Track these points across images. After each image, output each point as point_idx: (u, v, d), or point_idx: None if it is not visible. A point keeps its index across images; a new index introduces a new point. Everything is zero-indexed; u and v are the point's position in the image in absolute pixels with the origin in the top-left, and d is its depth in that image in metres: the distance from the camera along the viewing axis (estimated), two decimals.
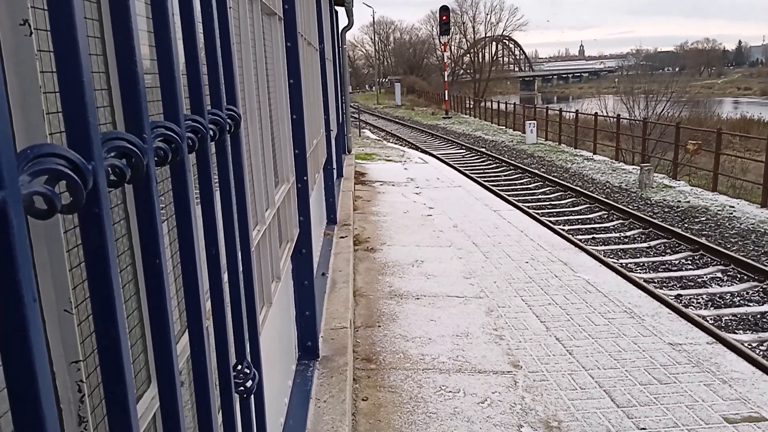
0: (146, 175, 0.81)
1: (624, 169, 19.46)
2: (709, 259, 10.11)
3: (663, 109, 29.18)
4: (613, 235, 12.13)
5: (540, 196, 16.18)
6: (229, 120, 1.40)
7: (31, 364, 0.54)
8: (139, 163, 0.77)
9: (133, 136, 0.77)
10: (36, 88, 0.84)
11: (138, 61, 0.81)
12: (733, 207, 13.75)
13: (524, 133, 28.43)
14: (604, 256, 10.19)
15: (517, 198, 15.54)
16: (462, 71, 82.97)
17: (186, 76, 1.17)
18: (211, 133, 1.24)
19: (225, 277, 1.41)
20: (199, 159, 1.20)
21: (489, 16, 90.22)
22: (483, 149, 25.94)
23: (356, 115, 32.12)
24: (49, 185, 0.57)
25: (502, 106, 38.33)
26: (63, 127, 0.69)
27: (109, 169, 0.72)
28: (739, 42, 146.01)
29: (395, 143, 28.97)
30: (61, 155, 0.59)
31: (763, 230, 11.81)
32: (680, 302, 8.28)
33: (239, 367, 1.53)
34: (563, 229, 12.15)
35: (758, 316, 7.96)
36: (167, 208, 1.35)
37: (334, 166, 9.16)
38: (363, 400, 4.29)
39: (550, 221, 12.82)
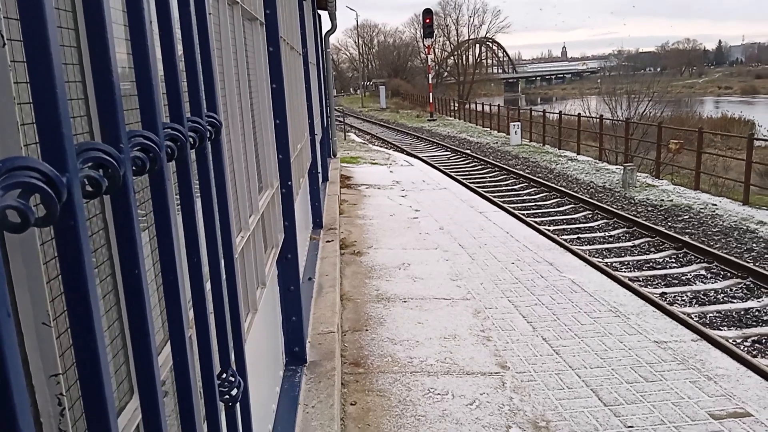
0: (123, 186, 0.81)
1: (608, 169, 19.62)
2: (692, 257, 10.21)
3: (645, 109, 29.48)
4: (598, 234, 12.22)
5: (525, 197, 16.26)
6: (209, 127, 1.40)
7: (6, 381, 0.53)
8: (115, 174, 0.76)
9: (109, 147, 0.77)
10: (10, 99, 0.83)
11: (114, 71, 0.80)
12: (715, 205, 13.91)
13: (509, 134, 28.59)
14: (590, 256, 10.26)
15: (502, 199, 15.60)
16: (446, 74, 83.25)
17: (165, 83, 1.16)
18: (191, 141, 1.23)
19: (208, 285, 1.40)
20: (179, 167, 1.19)
21: (472, 19, 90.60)
22: (468, 151, 26.03)
23: (341, 119, 32.15)
24: (23, 199, 0.56)
25: (487, 108, 38.51)
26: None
27: (85, 180, 0.71)
28: (719, 42, 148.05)
29: (381, 146, 29.01)
30: (35, 168, 0.59)
31: (745, 227, 11.95)
32: (665, 300, 8.36)
33: (224, 375, 1.52)
34: (548, 230, 12.22)
35: (742, 312, 8.06)
36: (148, 216, 1.34)
37: (320, 170, 9.15)
38: (351, 404, 4.28)
39: (535, 222, 12.90)
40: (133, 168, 0.87)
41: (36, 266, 0.89)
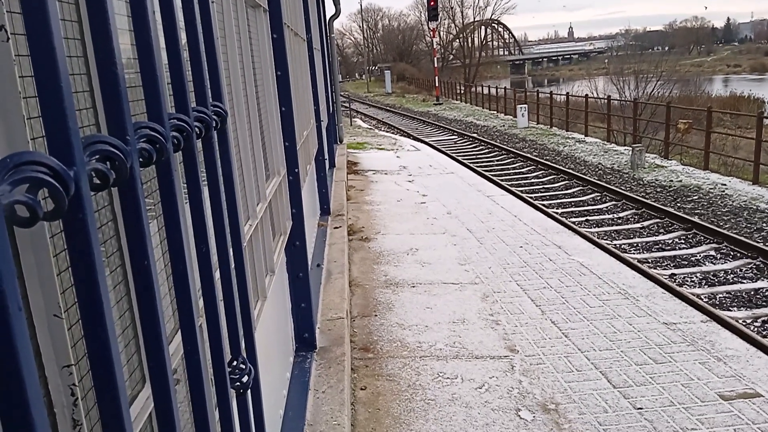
0: (131, 178, 0.81)
1: (616, 151, 19.50)
2: (702, 238, 10.17)
3: (653, 89, 29.21)
4: (607, 216, 12.18)
5: (533, 180, 16.20)
6: (215, 117, 1.40)
7: (19, 373, 0.54)
8: (122, 166, 0.77)
9: (115, 139, 0.77)
10: (15, 93, 0.84)
11: (118, 63, 0.80)
12: (724, 185, 13.81)
13: (516, 117, 28.42)
14: (598, 238, 10.24)
15: (510, 183, 15.56)
16: (452, 57, 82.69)
17: (169, 74, 1.16)
18: (197, 131, 1.23)
19: (217, 274, 1.41)
20: (185, 157, 1.19)
21: (477, 0, 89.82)
22: (475, 135, 25.93)
23: (347, 105, 32.05)
24: (31, 193, 0.57)
25: (493, 91, 38.28)
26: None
27: (93, 173, 0.71)
28: (728, 19, 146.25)
29: (387, 131, 28.92)
30: (42, 162, 0.59)
31: (754, 207, 11.87)
32: (674, 281, 8.34)
33: (234, 363, 1.53)
34: (557, 213, 12.19)
35: (752, 292, 8.03)
36: (156, 206, 1.35)
37: (326, 156, 9.14)
38: (361, 389, 4.31)
39: (543, 205, 12.86)
40: (140, 160, 0.87)
41: (46, 259, 0.89)
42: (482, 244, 7.81)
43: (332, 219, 8.17)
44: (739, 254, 9.27)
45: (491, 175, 16.38)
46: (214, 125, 1.37)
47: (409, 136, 26.55)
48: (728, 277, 8.63)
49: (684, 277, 8.66)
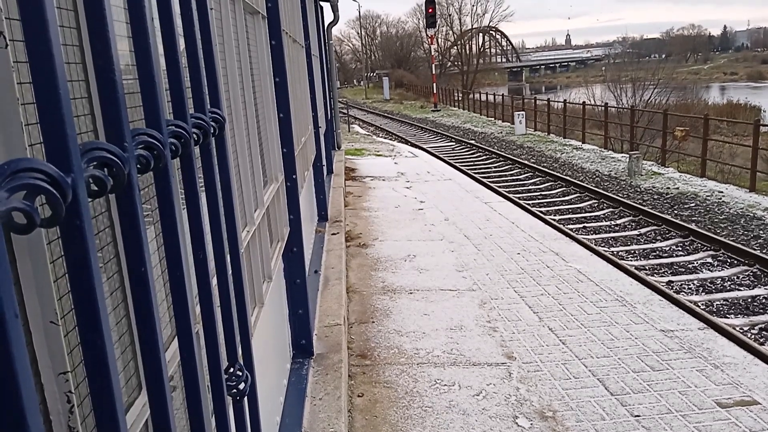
0: (128, 185, 0.81)
1: (613, 158, 19.54)
2: (699, 245, 10.18)
3: (650, 97, 29.32)
4: (604, 223, 12.19)
5: (530, 187, 16.22)
6: (213, 123, 1.40)
7: (15, 380, 0.54)
8: (120, 173, 0.77)
9: (113, 146, 0.77)
10: (14, 100, 0.84)
11: (116, 70, 0.80)
12: (721, 192, 13.84)
13: (513, 124, 28.47)
14: (595, 245, 10.24)
15: (507, 189, 15.57)
16: (450, 64, 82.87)
17: (167, 80, 1.16)
18: (195, 137, 1.23)
19: (214, 280, 1.41)
20: (183, 164, 1.19)
21: (475, 7, 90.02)
22: (472, 141, 25.97)
23: (345, 111, 32.12)
24: (28, 200, 0.57)
25: (491, 98, 38.35)
26: None
27: (90, 180, 0.71)
28: (725, 27, 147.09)
29: (385, 138, 28.95)
30: (39, 169, 0.59)
31: (751, 214, 11.90)
32: (671, 289, 8.34)
33: (231, 369, 1.53)
34: (554, 219, 12.20)
35: (749, 300, 8.04)
36: (154, 213, 1.35)
37: (324, 162, 9.15)
38: (359, 396, 4.29)
39: (540, 212, 12.87)
40: (138, 166, 0.87)
41: (43, 265, 0.89)
42: (480, 250, 7.81)
43: (330, 225, 8.17)
44: (736, 261, 9.28)
45: (489, 181, 16.40)
46: (212, 131, 1.37)
47: (407, 142, 26.59)
48: (725, 284, 8.64)
49: (681, 284, 8.66)
